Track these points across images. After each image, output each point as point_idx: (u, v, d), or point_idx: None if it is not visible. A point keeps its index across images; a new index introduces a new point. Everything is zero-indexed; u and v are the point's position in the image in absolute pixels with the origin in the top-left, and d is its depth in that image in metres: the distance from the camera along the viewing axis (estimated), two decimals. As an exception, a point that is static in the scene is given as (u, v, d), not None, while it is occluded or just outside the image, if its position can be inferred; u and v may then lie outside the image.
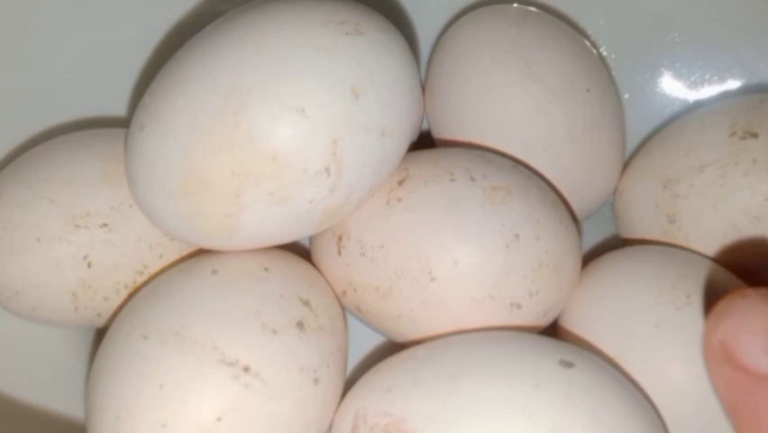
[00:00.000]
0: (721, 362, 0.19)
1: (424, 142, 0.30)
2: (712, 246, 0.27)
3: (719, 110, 0.28)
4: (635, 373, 0.24)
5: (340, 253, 0.26)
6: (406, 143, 0.25)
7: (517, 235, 0.24)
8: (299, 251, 0.27)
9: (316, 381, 0.23)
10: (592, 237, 0.31)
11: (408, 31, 0.32)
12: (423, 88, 0.30)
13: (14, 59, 0.30)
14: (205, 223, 0.23)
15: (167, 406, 0.21)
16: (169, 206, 0.23)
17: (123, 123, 0.30)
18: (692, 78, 0.31)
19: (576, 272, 0.26)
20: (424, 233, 0.25)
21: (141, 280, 0.26)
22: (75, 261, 0.25)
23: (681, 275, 0.25)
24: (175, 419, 0.21)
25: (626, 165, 0.30)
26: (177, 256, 0.26)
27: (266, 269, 0.25)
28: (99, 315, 0.26)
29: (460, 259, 0.24)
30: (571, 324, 0.26)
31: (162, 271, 0.26)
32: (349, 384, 0.25)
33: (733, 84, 0.31)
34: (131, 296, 0.25)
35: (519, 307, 0.25)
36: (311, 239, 0.28)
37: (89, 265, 0.25)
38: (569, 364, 0.22)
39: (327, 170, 0.23)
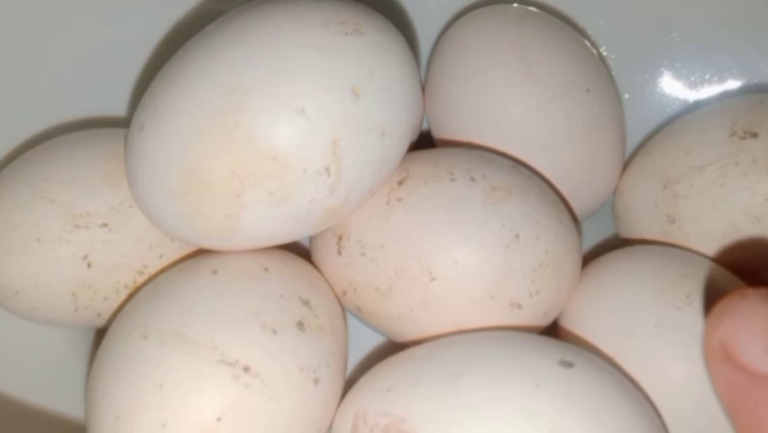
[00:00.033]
0: (721, 362, 0.19)
1: (424, 142, 0.29)
2: (712, 246, 0.27)
3: (719, 110, 0.28)
4: (635, 374, 0.24)
5: (340, 253, 0.26)
6: (406, 143, 0.25)
7: (517, 235, 0.24)
8: (299, 251, 0.27)
9: (316, 381, 0.23)
10: (592, 237, 0.31)
11: (408, 31, 0.32)
12: (423, 88, 0.30)
13: (14, 59, 0.29)
14: (205, 223, 0.23)
15: (167, 406, 0.21)
16: (169, 206, 0.23)
17: (123, 123, 0.30)
18: (692, 78, 0.31)
19: (576, 272, 0.26)
20: (424, 233, 0.25)
21: (141, 280, 0.26)
22: (75, 261, 0.25)
23: (680, 275, 0.25)
24: (175, 418, 0.21)
25: (626, 165, 0.30)
26: (177, 256, 0.26)
27: (266, 269, 0.25)
28: (99, 315, 0.26)
29: (460, 259, 0.24)
30: (572, 324, 0.26)
31: (162, 271, 0.26)
32: (349, 384, 0.25)
33: (733, 84, 0.31)
34: (131, 296, 0.25)
35: (519, 307, 0.25)
36: (311, 239, 0.28)
37: (89, 265, 0.25)
38: (569, 364, 0.22)
39: (327, 170, 0.23)
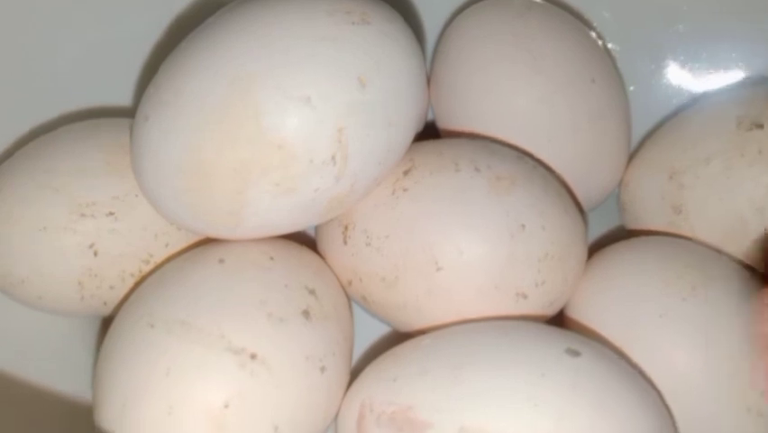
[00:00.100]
0: None
1: (429, 132, 0.29)
2: (718, 237, 0.27)
3: (725, 101, 0.28)
4: (640, 363, 0.24)
5: (345, 242, 0.26)
6: (411, 133, 0.25)
7: (523, 225, 0.24)
8: (305, 240, 0.27)
9: (322, 369, 0.23)
10: (597, 229, 0.31)
11: (414, 21, 0.32)
12: (428, 79, 0.30)
13: (17, 50, 0.29)
14: (211, 212, 0.23)
15: (173, 393, 0.21)
16: (175, 196, 0.23)
17: (124, 112, 0.30)
18: (698, 70, 0.31)
19: (581, 263, 0.26)
20: (429, 223, 0.25)
21: (147, 269, 0.26)
22: (81, 250, 0.25)
23: (686, 266, 0.25)
24: (181, 406, 0.21)
25: (631, 157, 0.30)
26: (182, 245, 0.26)
27: (272, 258, 0.25)
28: (105, 304, 0.26)
29: (465, 249, 0.24)
30: (578, 314, 0.26)
31: (168, 260, 0.26)
32: (355, 374, 0.25)
33: (738, 75, 0.31)
34: (137, 285, 0.25)
35: (525, 297, 0.25)
36: (317, 229, 0.28)
37: (95, 254, 0.25)
38: (575, 353, 0.22)
39: (333, 158, 0.23)
